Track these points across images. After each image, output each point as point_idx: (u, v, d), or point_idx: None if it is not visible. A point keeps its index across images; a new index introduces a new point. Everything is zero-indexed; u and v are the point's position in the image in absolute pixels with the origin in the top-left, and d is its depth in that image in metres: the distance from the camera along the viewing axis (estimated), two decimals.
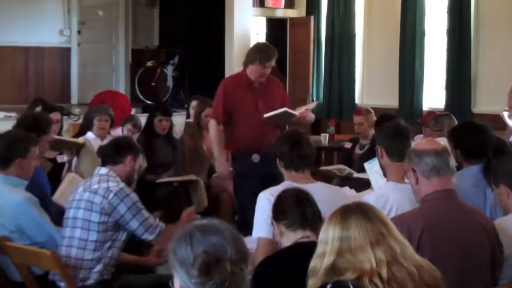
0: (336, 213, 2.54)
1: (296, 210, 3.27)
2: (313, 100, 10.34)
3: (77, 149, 5.72)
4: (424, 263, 2.46)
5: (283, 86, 6.17)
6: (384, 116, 6.38)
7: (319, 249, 2.49)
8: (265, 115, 5.59)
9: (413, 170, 3.24)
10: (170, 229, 4.04)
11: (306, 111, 5.88)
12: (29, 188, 4.15)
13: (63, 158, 5.82)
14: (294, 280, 2.66)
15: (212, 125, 5.83)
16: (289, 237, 3.26)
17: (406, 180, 3.47)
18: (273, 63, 5.74)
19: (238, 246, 2.04)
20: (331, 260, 2.41)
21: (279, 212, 3.35)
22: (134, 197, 4.02)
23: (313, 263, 2.48)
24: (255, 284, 2.36)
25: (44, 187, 4.74)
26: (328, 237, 2.46)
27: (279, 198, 3.42)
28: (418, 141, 3.47)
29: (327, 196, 3.69)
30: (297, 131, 4.28)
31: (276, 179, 4.21)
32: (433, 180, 3.18)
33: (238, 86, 5.76)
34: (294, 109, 5.82)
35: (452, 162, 3.28)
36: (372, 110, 7.16)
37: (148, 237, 4.05)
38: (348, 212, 2.49)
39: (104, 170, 4.10)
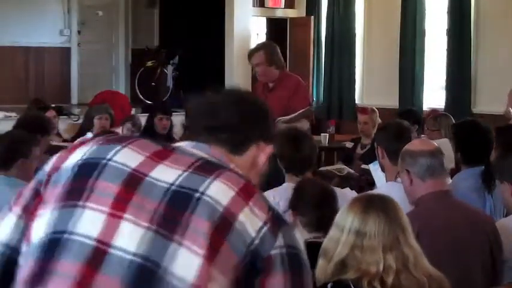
0: (359, 202, 2.47)
1: (315, 212, 3.17)
2: (312, 101, 10.33)
3: None
4: (434, 273, 2.41)
5: (297, 87, 6.09)
6: (404, 112, 6.40)
7: (334, 232, 2.44)
8: None
9: (408, 171, 3.21)
10: None
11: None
12: None
13: None
14: None
15: None
16: (302, 233, 3.20)
17: (399, 180, 3.42)
18: (255, 61, 5.85)
19: None
20: (345, 253, 2.37)
21: (298, 205, 3.25)
22: None
23: (326, 244, 2.43)
24: None
25: None
26: (346, 225, 2.40)
27: (303, 190, 3.31)
28: (411, 142, 3.43)
29: None
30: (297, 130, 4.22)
31: (280, 177, 4.22)
32: (428, 181, 3.15)
33: (259, 86, 6.22)
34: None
35: (446, 162, 3.26)
36: (376, 110, 7.16)
37: None
38: (370, 206, 2.43)
39: None
